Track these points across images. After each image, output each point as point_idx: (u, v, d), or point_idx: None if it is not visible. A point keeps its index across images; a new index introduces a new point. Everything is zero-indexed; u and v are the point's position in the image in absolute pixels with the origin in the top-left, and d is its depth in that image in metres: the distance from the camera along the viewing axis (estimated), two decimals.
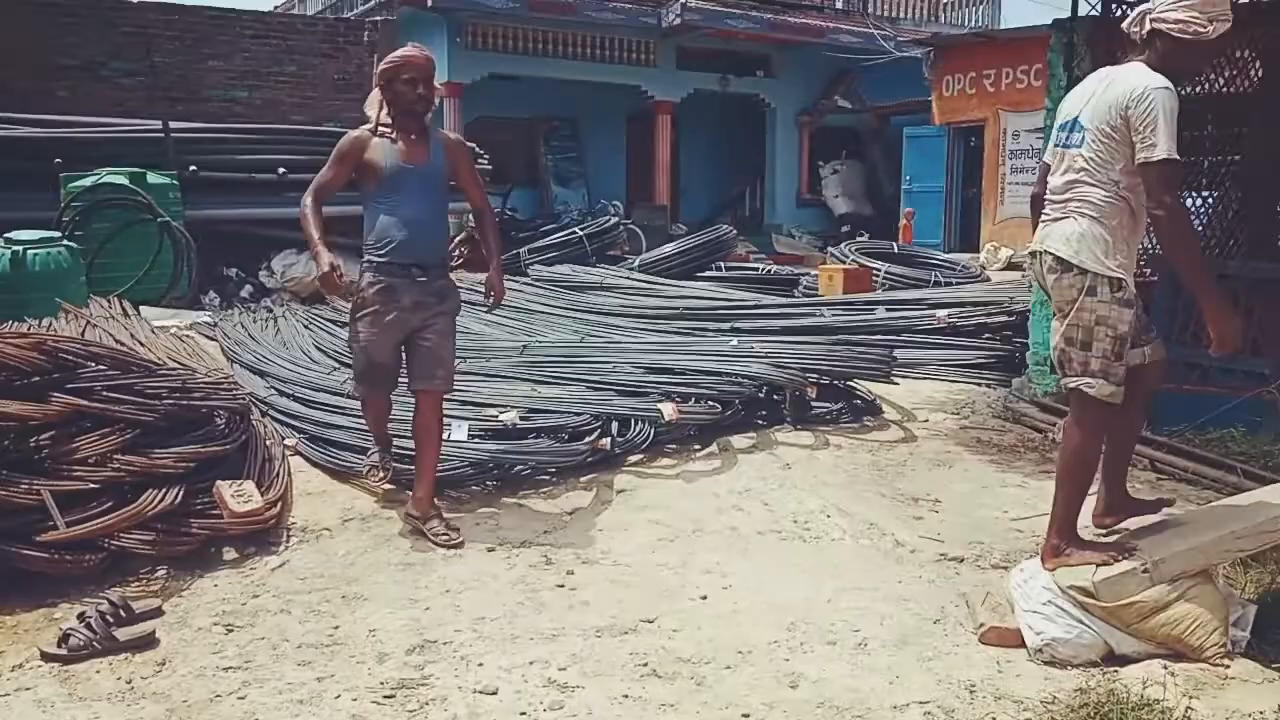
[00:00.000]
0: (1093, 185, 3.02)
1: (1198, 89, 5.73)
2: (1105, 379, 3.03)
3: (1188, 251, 3.09)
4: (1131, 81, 2.95)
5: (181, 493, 3.61)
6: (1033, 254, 3.26)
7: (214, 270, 10.18)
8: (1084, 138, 3.04)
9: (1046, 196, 3.18)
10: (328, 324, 7.62)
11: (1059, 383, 5.53)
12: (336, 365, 6.24)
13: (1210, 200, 5.93)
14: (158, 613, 3.14)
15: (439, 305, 3.97)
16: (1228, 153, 5.87)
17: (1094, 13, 5.46)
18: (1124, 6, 5.50)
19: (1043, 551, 3.15)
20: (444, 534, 3.79)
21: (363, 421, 4.53)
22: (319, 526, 3.97)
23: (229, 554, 3.67)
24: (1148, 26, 3.04)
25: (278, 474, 4.17)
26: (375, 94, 3.98)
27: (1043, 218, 3.19)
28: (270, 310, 8.69)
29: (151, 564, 3.49)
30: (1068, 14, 5.59)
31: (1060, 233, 3.07)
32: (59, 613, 3.19)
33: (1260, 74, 5.79)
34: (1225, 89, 5.80)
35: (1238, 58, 5.76)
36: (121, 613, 3.01)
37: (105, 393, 3.70)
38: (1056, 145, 3.17)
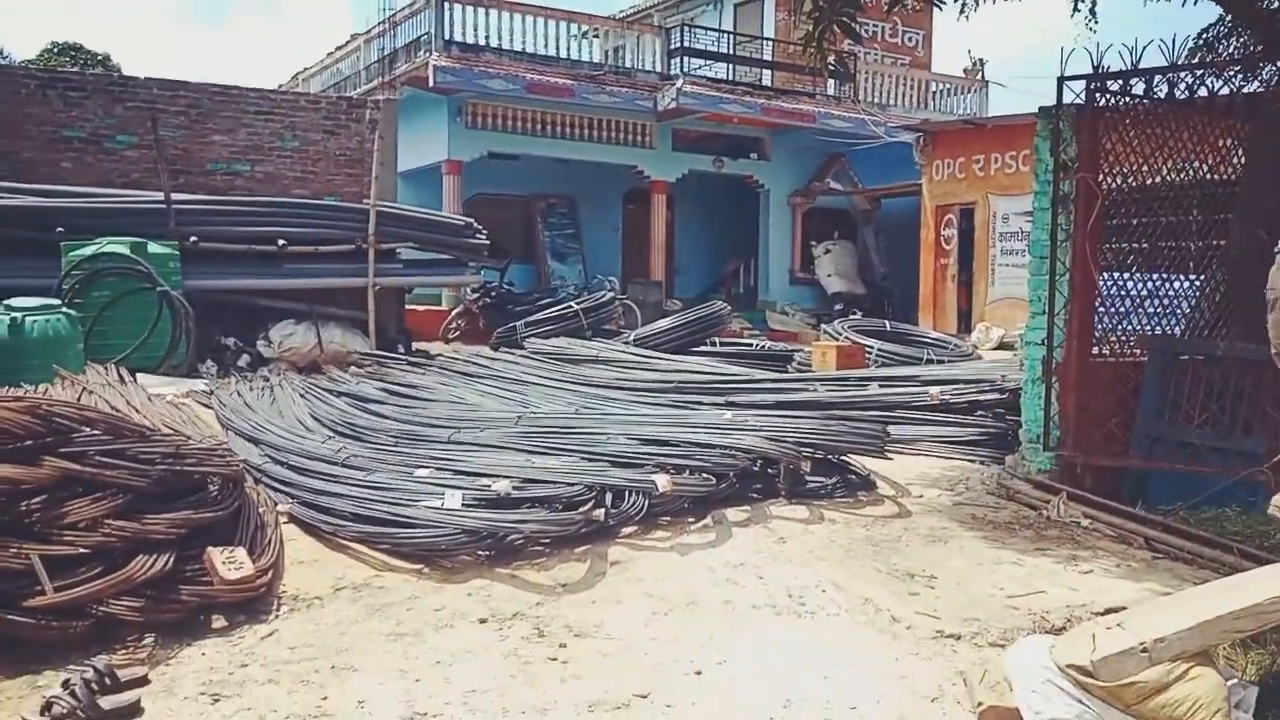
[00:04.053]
0: None
1: (1183, 176, 5.88)
2: None
3: None
4: None
5: (172, 559, 3.57)
6: None
7: (212, 339, 10.23)
8: None
9: None
10: (323, 393, 7.63)
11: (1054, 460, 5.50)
12: (331, 434, 6.24)
13: (1198, 283, 6.03)
14: (143, 681, 3.09)
15: None
16: (1214, 237, 5.98)
17: (1078, 101, 5.61)
18: (1107, 95, 5.65)
19: None
20: None
21: (360, 486, 4.47)
22: (310, 595, 3.92)
23: (218, 622, 3.62)
24: None
25: (269, 541, 4.13)
26: None
27: None
28: (267, 379, 8.69)
29: (139, 631, 3.43)
30: (1053, 102, 5.73)
31: None
32: (43, 680, 3.13)
33: (1242, 162, 5.94)
34: (1210, 175, 5.94)
35: (1221, 146, 5.91)
36: (106, 681, 2.95)
37: (98, 457, 3.68)
38: None
